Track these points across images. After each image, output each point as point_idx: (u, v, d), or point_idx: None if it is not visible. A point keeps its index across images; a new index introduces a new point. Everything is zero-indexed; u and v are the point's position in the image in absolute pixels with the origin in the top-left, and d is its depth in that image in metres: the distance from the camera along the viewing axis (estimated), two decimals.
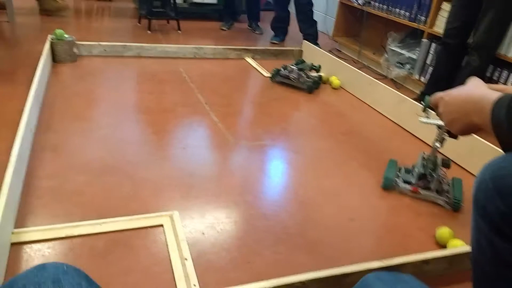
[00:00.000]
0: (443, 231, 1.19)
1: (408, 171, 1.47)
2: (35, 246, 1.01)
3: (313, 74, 2.35)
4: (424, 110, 1.35)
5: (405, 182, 1.43)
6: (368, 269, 0.97)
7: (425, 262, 1.04)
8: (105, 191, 1.24)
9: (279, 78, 2.31)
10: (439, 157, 1.43)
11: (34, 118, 1.55)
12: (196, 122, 1.78)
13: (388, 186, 1.43)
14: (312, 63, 2.39)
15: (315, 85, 2.29)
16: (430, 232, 1.24)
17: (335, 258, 1.10)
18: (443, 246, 1.18)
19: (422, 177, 1.41)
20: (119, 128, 1.63)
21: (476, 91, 0.64)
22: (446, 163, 1.42)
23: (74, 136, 1.52)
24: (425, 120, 1.37)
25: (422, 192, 1.40)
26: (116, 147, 1.49)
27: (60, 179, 1.27)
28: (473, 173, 1.61)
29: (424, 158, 1.43)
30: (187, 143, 1.57)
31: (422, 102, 1.33)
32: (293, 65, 2.31)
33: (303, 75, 2.28)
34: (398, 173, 1.47)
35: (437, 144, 1.35)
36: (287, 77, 2.29)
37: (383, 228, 1.25)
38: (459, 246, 1.13)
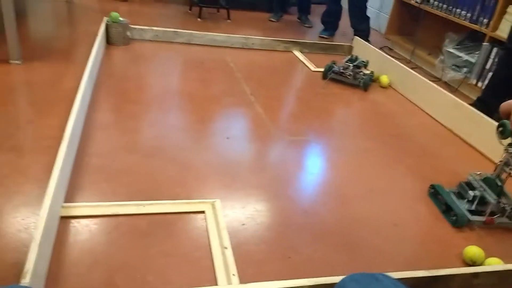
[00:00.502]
0: (476, 252, 1.10)
1: (460, 195, 1.31)
2: (83, 221, 1.04)
3: (366, 71, 2.28)
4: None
5: (474, 212, 1.26)
6: (414, 277, 0.93)
7: (475, 275, 0.98)
8: (151, 174, 1.26)
9: (332, 75, 2.22)
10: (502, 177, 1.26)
11: (88, 97, 1.60)
12: (241, 112, 1.77)
13: (463, 223, 1.24)
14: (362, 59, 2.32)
15: (370, 82, 2.23)
16: (474, 243, 1.17)
17: (376, 262, 1.06)
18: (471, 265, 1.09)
19: (482, 202, 1.27)
20: (167, 113, 1.65)
21: None
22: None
23: (124, 117, 1.56)
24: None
25: (497, 221, 1.25)
26: (164, 132, 1.51)
27: (109, 158, 1.30)
28: None
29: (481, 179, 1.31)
30: (231, 133, 1.57)
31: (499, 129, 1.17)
32: (347, 62, 2.25)
33: (359, 71, 2.21)
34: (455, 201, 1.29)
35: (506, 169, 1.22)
36: (342, 74, 2.21)
37: (427, 236, 1.20)
38: (498, 263, 1.06)
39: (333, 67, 2.23)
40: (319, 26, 3.36)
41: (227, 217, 1.13)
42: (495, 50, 2.21)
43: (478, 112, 1.79)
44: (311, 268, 1.01)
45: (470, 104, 1.95)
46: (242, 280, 0.92)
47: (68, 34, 2.42)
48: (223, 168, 1.35)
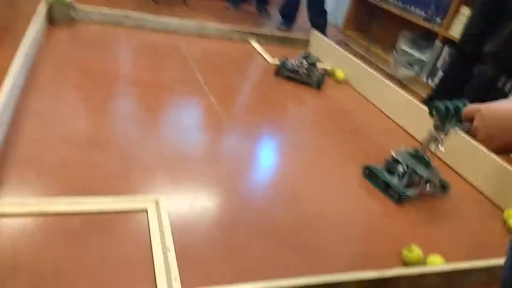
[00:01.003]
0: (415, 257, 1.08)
1: (389, 171, 1.39)
2: (4, 219, 0.92)
3: (321, 65, 2.24)
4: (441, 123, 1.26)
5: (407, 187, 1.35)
6: (363, 279, 0.91)
7: (423, 276, 0.98)
8: (89, 167, 1.15)
9: (286, 73, 2.10)
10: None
11: (21, 80, 1.45)
12: (194, 102, 1.69)
13: (405, 200, 1.33)
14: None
15: (323, 80, 2.12)
16: (425, 241, 1.17)
17: (327, 261, 1.03)
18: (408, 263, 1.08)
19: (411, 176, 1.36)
20: (112, 101, 1.53)
21: None
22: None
23: (62, 104, 1.43)
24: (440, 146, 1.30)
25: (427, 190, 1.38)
26: (107, 121, 1.40)
27: (41, 149, 1.18)
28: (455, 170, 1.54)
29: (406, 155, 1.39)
30: (182, 124, 1.48)
31: (432, 111, 1.26)
32: (300, 59, 2.12)
33: (313, 69, 2.10)
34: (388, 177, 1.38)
35: (439, 147, 1.29)
36: (295, 72, 2.10)
37: (379, 234, 1.18)
38: (440, 262, 1.06)
39: (285, 63, 2.11)
40: (277, 18, 3.31)
41: (172, 215, 1.04)
42: (446, 49, 2.26)
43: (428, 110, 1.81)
44: (260, 268, 0.96)
45: (421, 102, 1.98)
46: (185, 285, 0.85)
47: (6, 14, 2.20)
48: (172, 161, 1.26)
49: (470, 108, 0.68)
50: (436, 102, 1.24)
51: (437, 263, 1.05)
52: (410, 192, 1.33)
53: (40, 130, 1.26)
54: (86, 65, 1.77)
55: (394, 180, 1.35)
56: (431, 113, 1.27)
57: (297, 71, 2.10)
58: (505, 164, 1.44)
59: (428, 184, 1.37)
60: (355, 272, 0.91)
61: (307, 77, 2.11)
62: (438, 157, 1.66)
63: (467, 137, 1.57)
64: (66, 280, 0.82)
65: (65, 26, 2.13)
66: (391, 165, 1.39)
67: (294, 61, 2.12)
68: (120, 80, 1.71)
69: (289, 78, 2.12)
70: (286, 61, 2.12)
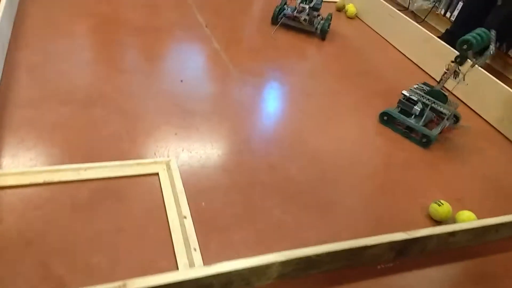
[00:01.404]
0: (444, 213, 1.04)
1: (404, 112, 1.33)
2: (7, 192, 0.86)
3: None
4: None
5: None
6: (392, 241, 0.86)
7: (451, 234, 0.93)
8: (92, 127, 1.07)
9: (285, 21, 1.82)
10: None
11: (7, 30, 1.31)
12: (196, 49, 1.55)
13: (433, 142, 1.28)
14: None
15: (328, 29, 1.83)
16: (451, 192, 1.12)
17: (349, 223, 0.99)
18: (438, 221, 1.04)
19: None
20: (108, 50, 1.41)
21: None
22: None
23: (55, 56, 1.31)
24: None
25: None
26: (105, 74, 1.28)
27: (39, 109, 1.08)
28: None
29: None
30: (186, 75, 1.37)
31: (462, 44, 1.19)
32: (301, 2, 1.79)
33: (316, 15, 1.82)
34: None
35: (462, 80, 1.26)
36: (295, 18, 1.80)
37: (400, 187, 1.13)
38: (470, 218, 1.02)
39: (284, 9, 1.82)
40: None
41: (185, 178, 0.98)
42: None
43: (447, 45, 1.68)
44: (281, 233, 0.92)
45: (438, 37, 1.84)
46: (205, 256, 0.81)
47: None
48: (178, 118, 1.18)
49: None
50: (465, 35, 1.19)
51: (469, 219, 1.01)
52: (434, 132, 1.27)
53: (35, 88, 1.15)
54: (75, 8, 1.61)
55: (417, 123, 1.29)
56: (460, 46, 1.21)
57: (297, 17, 1.79)
58: None
59: (447, 120, 1.31)
60: (381, 236, 0.86)
61: (309, 25, 1.82)
62: (450, 91, 1.58)
63: (483, 71, 1.49)
64: (80, 256, 0.77)
65: None
66: (406, 106, 1.33)
67: (295, 6, 1.81)
68: (113, 24, 1.56)
69: (287, 26, 1.84)
70: (286, 6, 1.84)
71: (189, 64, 1.44)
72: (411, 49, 1.85)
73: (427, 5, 2.30)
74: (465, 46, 1.19)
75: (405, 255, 0.92)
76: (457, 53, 1.25)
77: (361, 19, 2.14)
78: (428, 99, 1.30)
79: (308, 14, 1.78)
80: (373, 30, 2.06)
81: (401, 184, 1.14)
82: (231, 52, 1.56)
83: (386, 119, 1.34)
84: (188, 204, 0.91)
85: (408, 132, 1.31)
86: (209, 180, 1.00)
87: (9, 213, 0.82)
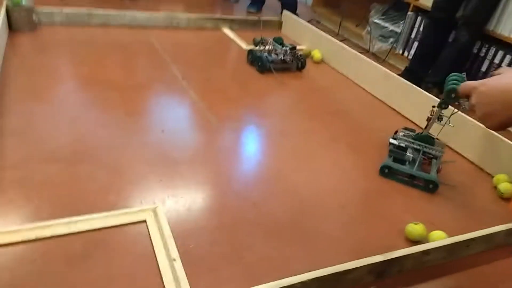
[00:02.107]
0: (419, 231, 1.11)
1: (398, 160, 1.37)
2: (1, 250, 0.89)
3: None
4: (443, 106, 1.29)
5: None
6: (370, 263, 0.92)
7: (426, 253, 1.00)
8: (79, 182, 1.11)
9: (273, 66, 2.00)
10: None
11: None
12: (174, 100, 1.65)
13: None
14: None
15: (305, 61, 2.12)
16: (422, 215, 1.20)
17: (330, 251, 1.04)
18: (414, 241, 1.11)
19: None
20: (89, 109, 1.48)
21: None
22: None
23: (38, 119, 1.37)
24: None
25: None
26: (87, 131, 1.35)
27: (26, 170, 1.13)
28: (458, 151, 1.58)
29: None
30: (166, 125, 1.45)
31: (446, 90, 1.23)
32: (278, 46, 2.05)
33: (296, 53, 2.07)
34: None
35: (446, 123, 1.32)
36: (284, 61, 2.04)
37: (376, 215, 1.20)
38: (441, 237, 1.09)
39: (264, 56, 2.01)
40: (245, 1, 3.25)
41: (172, 223, 1.03)
42: (419, 19, 2.27)
43: (407, 81, 1.83)
44: (268, 267, 0.96)
45: (399, 74, 2.00)
46: None
47: None
48: (161, 166, 1.24)
49: (466, 85, 0.68)
50: (450, 79, 1.22)
51: (440, 238, 1.08)
52: (434, 175, 1.31)
53: (21, 150, 1.20)
54: (55, 72, 1.69)
55: (412, 168, 1.33)
56: (448, 95, 1.23)
57: (284, 60, 2.03)
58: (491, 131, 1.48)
59: (437, 161, 1.37)
60: (359, 260, 0.92)
61: (292, 63, 2.09)
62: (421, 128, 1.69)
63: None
64: None
65: (27, 31, 2.02)
66: (398, 154, 1.37)
67: (273, 52, 2.05)
68: (93, 84, 1.65)
69: (276, 70, 2.02)
70: (267, 55, 2.02)
71: (169, 115, 1.53)
72: (375, 86, 1.99)
73: (386, 46, 2.50)
74: (453, 95, 1.21)
75: (385, 277, 0.97)
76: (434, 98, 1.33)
77: (327, 63, 2.30)
78: (419, 144, 1.36)
79: (290, 55, 2.03)
80: (339, 72, 2.21)
81: (376, 212, 1.21)
82: (208, 101, 1.66)
83: (387, 172, 1.36)
84: (177, 246, 0.95)
85: (411, 181, 1.33)
86: (195, 222, 1.05)
87: (2, 271, 0.84)
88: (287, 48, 2.04)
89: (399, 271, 1.00)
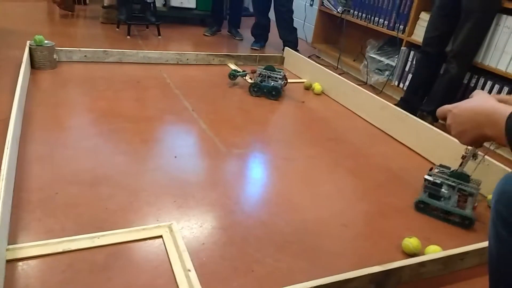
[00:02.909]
0: (414, 244, 1.18)
1: (433, 196, 1.40)
2: (32, 262, 0.98)
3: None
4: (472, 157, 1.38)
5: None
6: (369, 273, 1.00)
7: (421, 264, 1.08)
8: (100, 203, 1.21)
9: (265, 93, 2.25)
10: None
11: (19, 129, 1.50)
12: (185, 130, 1.77)
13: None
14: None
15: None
16: (421, 233, 1.28)
17: (333, 264, 1.12)
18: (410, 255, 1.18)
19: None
20: (107, 138, 1.60)
21: (487, 104, 0.67)
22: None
23: (60, 147, 1.48)
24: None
25: None
26: (106, 157, 1.46)
27: (51, 192, 1.23)
28: None
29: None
30: (178, 152, 1.56)
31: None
32: (272, 73, 2.31)
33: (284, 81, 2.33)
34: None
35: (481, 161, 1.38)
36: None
37: (376, 233, 1.28)
38: (436, 250, 1.16)
39: (259, 83, 2.25)
40: (249, 39, 3.45)
41: (186, 238, 1.12)
42: (412, 53, 2.42)
43: (403, 111, 1.95)
44: (275, 278, 1.04)
45: (395, 104, 2.12)
46: None
47: None
48: (175, 188, 1.34)
49: (442, 108, 0.80)
50: None
51: (435, 251, 1.15)
52: (470, 211, 1.34)
53: (46, 174, 1.31)
54: (74, 105, 1.83)
55: (447, 204, 1.36)
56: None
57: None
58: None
59: (472, 198, 1.40)
60: (360, 270, 1.00)
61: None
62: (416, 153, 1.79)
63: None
64: None
65: (48, 68, 2.18)
66: (433, 190, 1.40)
67: (265, 78, 2.29)
68: (110, 116, 1.78)
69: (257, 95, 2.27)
70: (263, 82, 2.26)
71: (180, 143, 1.64)
72: (372, 116, 2.11)
73: (383, 79, 2.64)
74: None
75: (384, 287, 1.04)
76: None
77: (327, 95, 2.44)
78: (454, 181, 1.40)
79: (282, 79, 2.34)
80: (338, 103, 2.34)
81: (377, 230, 1.29)
82: (217, 129, 1.78)
83: (423, 206, 1.39)
84: (191, 259, 1.04)
85: (446, 216, 1.36)
86: (207, 237, 1.14)
87: (35, 279, 0.93)
88: (277, 74, 2.31)
89: (397, 282, 1.07)
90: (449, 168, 1.50)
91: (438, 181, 1.41)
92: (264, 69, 2.32)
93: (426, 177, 1.43)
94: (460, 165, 1.42)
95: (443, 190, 1.40)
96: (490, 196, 1.49)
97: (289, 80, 2.46)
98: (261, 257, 1.10)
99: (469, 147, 1.38)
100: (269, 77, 2.31)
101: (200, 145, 1.66)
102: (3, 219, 1.00)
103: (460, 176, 1.41)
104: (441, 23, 2.10)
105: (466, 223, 1.35)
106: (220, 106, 2.08)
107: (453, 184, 1.41)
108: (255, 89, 2.26)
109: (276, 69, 2.35)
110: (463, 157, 1.41)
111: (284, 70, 2.69)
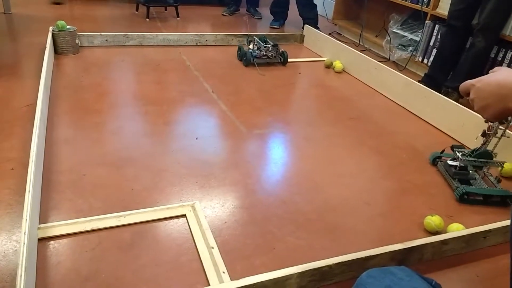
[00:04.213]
0: (436, 222, 1.17)
1: (465, 181, 1.39)
2: (62, 240, 1.02)
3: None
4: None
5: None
6: (391, 251, 1.00)
7: (444, 242, 1.07)
8: (125, 184, 1.25)
9: (256, 60, 2.32)
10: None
11: (45, 112, 1.55)
12: (206, 111, 1.78)
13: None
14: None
15: (287, 56, 2.42)
16: (444, 211, 1.27)
17: (354, 242, 1.13)
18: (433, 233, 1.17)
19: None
20: (130, 120, 1.63)
21: (510, 77, 0.65)
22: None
23: (86, 129, 1.53)
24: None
25: None
26: (130, 139, 1.49)
27: (79, 173, 1.27)
28: None
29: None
30: (200, 134, 1.58)
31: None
32: (262, 43, 2.38)
33: (278, 50, 2.40)
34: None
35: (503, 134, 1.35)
36: (266, 56, 2.37)
37: (399, 211, 1.28)
38: (459, 228, 1.15)
39: (249, 52, 2.33)
40: (268, 17, 3.40)
41: (208, 217, 1.15)
42: (437, 27, 2.34)
43: (427, 88, 1.90)
44: (297, 255, 1.06)
45: (419, 81, 2.07)
46: (233, 277, 0.95)
47: (12, 48, 2.30)
48: (197, 169, 1.36)
49: (465, 83, 0.78)
50: None
51: (458, 229, 1.14)
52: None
53: (74, 156, 1.35)
54: (97, 88, 1.87)
55: (490, 189, 1.35)
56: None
57: (266, 55, 2.37)
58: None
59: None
60: (381, 248, 1.00)
61: (275, 58, 2.40)
62: (443, 132, 1.76)
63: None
64: (128, 287, 0.91)
65: (70, 53, 2.22)
66: (463, 175, 1.39)
67: (256, 49, 2.37)
68: (132, 98, 1.81)
69: (258, 64, 2.35)
70: (251, 50, 2.35)
71: (201, 124, 1.66)
72: (395, 93, 2.07)
73: (406, 55, 2.57)
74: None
75: (405, 264, 1.05)
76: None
77: (348, 73, 2.40)
78: (480, 161, 1.37)
79: (272, 50, 2.38)
80: (360, 81, 2.30)
81: (399, 208, 1.29)
82: (237, 111, 1.79)
83: (467, 197, 1.33)
84: (214, 237, 1.07)
85: (487, 199, 1.33)
86: (229, 216, 1.16)
87: (66, 257, 0.97)
88: (269, 45, 2.37)
89: (419, 259, 1.07)
90: (463, 148, 1.47)
91: (462, 164, 1.38)
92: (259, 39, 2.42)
93: (450, 162, 1.40)
94: (484, 143, 1.39)
95: (471, 173, 1.38)
96: (507, 165, 1.46)
97: (310, 59, 2.43)
98: (282, 235, 1.12)
99: (492, 124, 1.34)
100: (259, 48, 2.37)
101: (220, 126, 1.67)
102: (34, 200, 1.04)
103: (485, 155, 1.38)
104: None
105: (509, 201, 1.33)
106: (239, 87, 2.08)
107: (480, 164, 1.38)
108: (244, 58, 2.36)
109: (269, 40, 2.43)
110: (485, 135, 1.38)
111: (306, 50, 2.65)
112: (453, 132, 1.76)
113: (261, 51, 2.36)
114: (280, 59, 2.41)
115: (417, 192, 1.37)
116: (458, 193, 1.33)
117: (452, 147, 1.48)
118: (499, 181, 1.39)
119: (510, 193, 1.34)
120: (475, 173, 1.42)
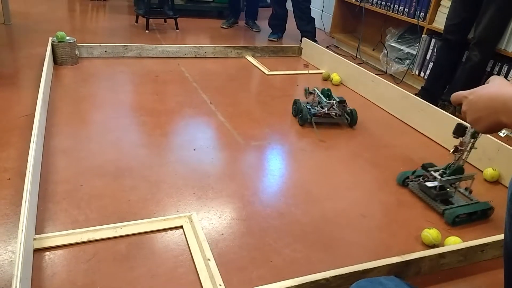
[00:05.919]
0: (434, 235, 1.17)
1: (447, 201, 1.37)
2: (58, 251, 1.02)
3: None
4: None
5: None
6: (388, 264, 1.00)
7: (442, 256, 1.07)
8: (122, 195, 1.25)
9: (314, 119, 1.81)
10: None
11: (44, 122, 1.55)
12: (204, 122, 1.78)
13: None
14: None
15: (357, 116, 1.88)
16: (441, 224, 1.27)
17: (351, 255, 1.12)
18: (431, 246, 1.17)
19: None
20: (128, 131, 1.63)
21: (504, 90, 0.65)
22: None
23: (84, 140, 1.53)
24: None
25: None
26: (128, 150, 1.49)
27: (75, 184, 1.27)
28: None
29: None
30: (197, 145, 1.58)
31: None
32: (325, 98, 1.89)
33: (346, 107, 1.86)
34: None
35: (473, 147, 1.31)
36: (328, 115, 1.85)
37: (396, 223, 1.28)
38: (456, 242, 1.15)
39: (309, 109, 1.83)
40: (266, 30, 3.43)
41: (205, 229, 1.14)
42: (433, 41, 2.37)
43: (423, 100, 1.92)
44: (294, 268, 1.05)
45: (415, 94, 2.09)
46: None
47: (12, 58, 2.31)
48: (194, 180, 1.36)
49: (457, 94, 0.78)
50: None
51: (455, 243, 1.14)
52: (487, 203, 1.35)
53: (71, 167, 1.35)
54: (96, 99, 1.87)
55: (473, 205, 1.34)
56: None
57: (329, 113, 1.84)
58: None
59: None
60: (378, 260, 1.00)
61: (339, 118, 1.87)
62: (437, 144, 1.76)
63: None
64: None
65: (70, 64, 2.23)
66: (444, 196, 1.37)
67: (317, 104, 1.90)
68: (130, 109, 1.81)
69: (322, 124, 1.85)
70: (309, 106, 1.86)
71: (199, 135, 1.66)
72: (392, 106, 2.08)
73: (403, 68, 2.59)
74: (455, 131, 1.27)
75: (403, 277, 1.04)
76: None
77: (345, 85, 2.42)
78: (457, 178, 1.35)
79: (338, 108, 1.84)
80: (357, 93, 2.32)
81: (396, 221, 1.29)
82: (235, 122, 1.79)
83: (458, 220, 1.30)
84: (211, 249, 1.06)
85: (470, 217, 1.32)
86: (226, 228, 1.16)
87: (62, 268, 0.97)
88: (334, 101, 1.84)
89: (417, 272, 1.06)
90: (432, 165, 1.45)
91: (443, 184, 1.36)
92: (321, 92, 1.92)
93: (429, 184, 1.37)
94: (457, 159, 1.34)
95: (449, 191, 1.37)
96: (485, 171, 1.50)
97: (308, 72, 2.45)
98: (279, 247, 1.11)
99: (462, 139, 1.30)
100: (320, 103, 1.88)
101: (218, 138, 1.68)
102: (30, 210, 1.04)
103: (458, 170, 1.36)
104: (463, 9, 2.05)
105: (488, 213, 1.33)
106: (238, 98, 2.09)
107: (454, 181, 1.36)
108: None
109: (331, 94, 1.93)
110: (457, 150, 1.32)
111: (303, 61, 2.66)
112: (449, 145, 1.76)
113: (322, 108, 1.86)
114: (347, 119, 1.88)
115: (414, 205, 1.37)
116: (450, 218, 1.29)
117: (424, 167, 1.44)
118: (470, 192, 1.40)
119: (489, 205, 1.34)
120: (452, 189, 1.39)
